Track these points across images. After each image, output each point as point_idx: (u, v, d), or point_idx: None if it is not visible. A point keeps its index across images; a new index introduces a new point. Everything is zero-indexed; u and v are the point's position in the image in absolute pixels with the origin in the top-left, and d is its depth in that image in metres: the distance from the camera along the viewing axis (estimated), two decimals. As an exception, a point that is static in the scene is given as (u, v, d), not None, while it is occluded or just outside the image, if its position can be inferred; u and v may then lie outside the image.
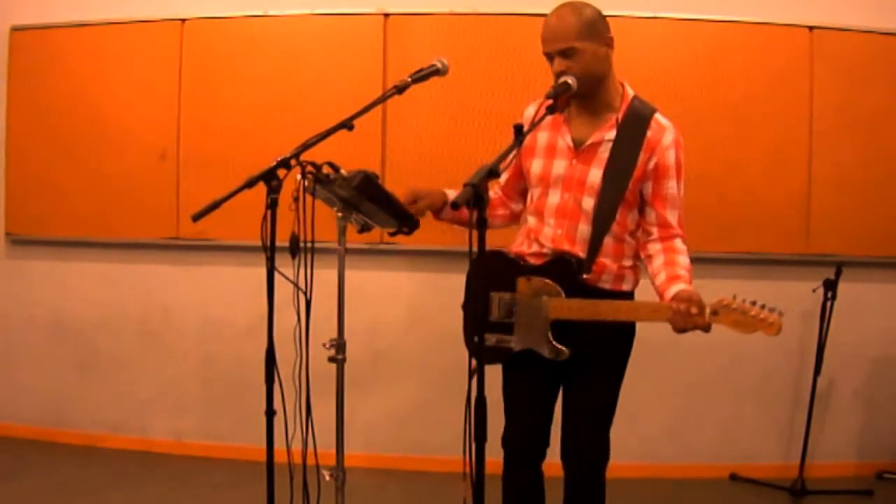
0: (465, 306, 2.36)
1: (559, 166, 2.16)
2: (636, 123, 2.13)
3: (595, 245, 2.12)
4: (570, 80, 2.06)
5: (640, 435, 3.73)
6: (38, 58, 3.96)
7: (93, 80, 3.93)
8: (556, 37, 2.09)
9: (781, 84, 3.66)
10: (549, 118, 2.12)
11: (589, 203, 2.13)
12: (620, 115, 2.14)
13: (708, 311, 1.94)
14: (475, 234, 1.76)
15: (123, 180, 3.90)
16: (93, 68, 3.92)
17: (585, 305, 2.08)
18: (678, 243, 2.18)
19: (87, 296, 4.03)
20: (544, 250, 2.17)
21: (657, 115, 2.17)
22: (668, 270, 2.09)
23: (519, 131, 1.92)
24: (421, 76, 2.26)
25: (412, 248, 3.70)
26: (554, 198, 2.17)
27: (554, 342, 2.10)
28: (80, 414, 4.03)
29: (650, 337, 3.65)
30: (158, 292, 3.98)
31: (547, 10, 3.74)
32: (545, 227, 2.18)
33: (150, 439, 3.97)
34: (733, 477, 3.68)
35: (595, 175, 2.12)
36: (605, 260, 2.16)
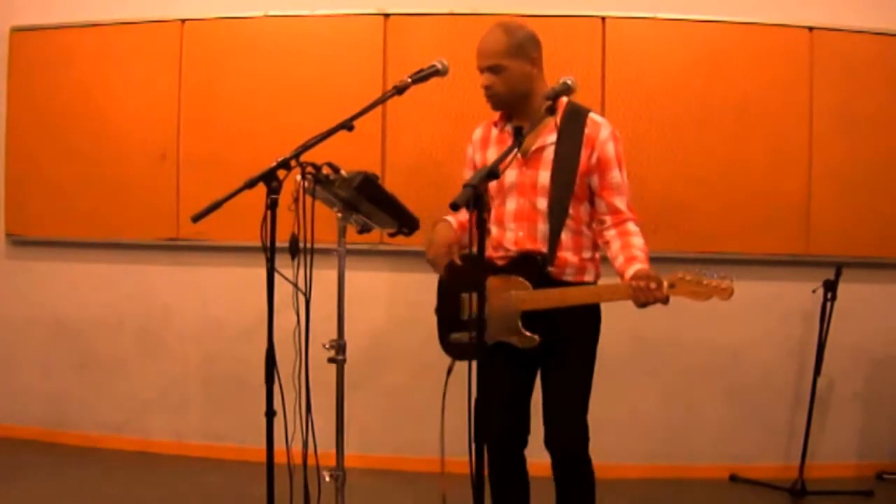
0: (438, 310, 2.51)
1: (511, 175, 2.28)
2: (573, 124, 2.27)
3: (554, 239, 2.26)
4: (570, 80, 2.14)
5: (640, 435, 3.73)
6: (38, 58, 3.97)
7: (93, 80, 3.93)
8: (485, 54, 2.28)
9: (781, 85, 3.66)
10: (496, 134, 2.37)
11: (543, 203, 2.27)
12: (559, 119, 2.27)
13: (665, 284, 2.07)
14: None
15: (123, 181, 3.90)
16: (93, 69, 3.93)
17: (552, 294, 2.22)
18: (630, 226, 2.31)
19: (87, 296, 4.03)
20: (510, 253, 2.31)
21: (591, 114, 2.31)
22: (624, 253, 2.24)
23: (518, 132, 1.94)
24: (421, 77, 2.27)
25: (412, 248, 3.69)
26: (511, 204, 2.31)
27: (525, 331, 2.22)
28: (81, 415, 4.03)
29: (651, 337, 3.69)
30: (158, 293, 3.98)
31: (546, 12, 3.77)
32: (507, 232, 2.32)
33: (150, 440, 3.97)
34: (733, 478, 3.68)
35: (544, 177, 2.26)
36: (566, 254, 2.29)
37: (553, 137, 2.26)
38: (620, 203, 2.30)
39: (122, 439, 3.98)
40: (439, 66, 2.28)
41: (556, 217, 2.26)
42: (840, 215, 3.67)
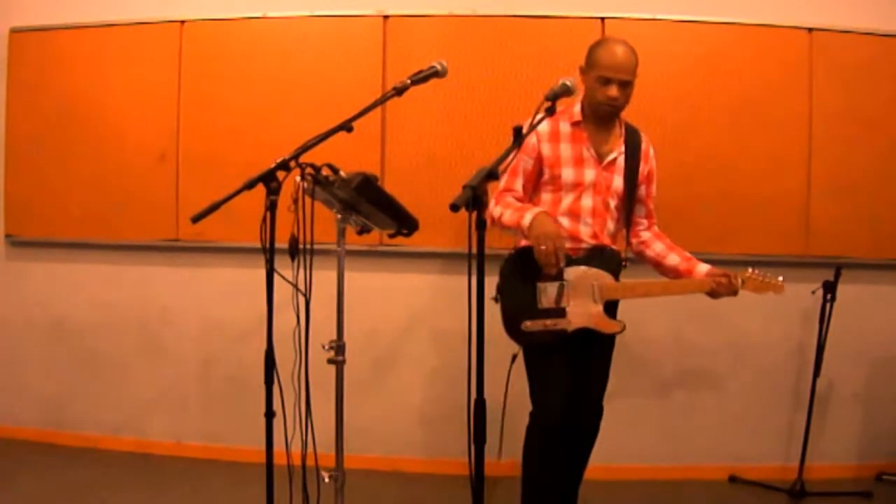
0: (504, 296, 2.58)
1: (589, 174, 2.58)
2: (633, 138, 2.67)
3: (626, 238, 2.71)
4: (570, 81, 2.14)
5: (639, 436, 3.73)
6: (37, 59, 3.97)
7: (92, 81, 3.93)
8: (627, 69, 2.52)
9: (781, 85, 3.66)
10: (569, 132, 2.58)
11: (612, 203, 2.62)
12: (623, 133, 2.65)
13: (740, 280, 2.58)
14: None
15: (123, 182, 3.90)
16: (92, 70, 3.92)
17: (637, 285, 2.59)
18: (657, 228, 2.81)
19: (86, 297, 4.03)
20: (583, 245, 2.59)
21: (640, 132, 2.72)
22: (677, 252, 2.71)
23: (518, 133, 1.94)
24: (420, 78, 2.26)
25: (412, 249, 3.70)
26: (587, 201, 2.58)
27: (611, 319, 2.56)
28: (80, 416, 4.03)
29: (650, 337, 3.69)
30: (158, 294, 3.98)
31: (546, 12, 3.77)
32: (582, 225, 2.59)
33: (149, 441, 3.97)
34: (732, 478, 3.68)
35: (618, 181, 2.62)
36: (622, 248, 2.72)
37: (622, 148, 2.63)
38: (653, 208, 2.79)
39: (121, 440, 3.98)
40: (438, 67, 2.27)
41: (626, 217, 2.68)
42: (839, 216, 3.67)
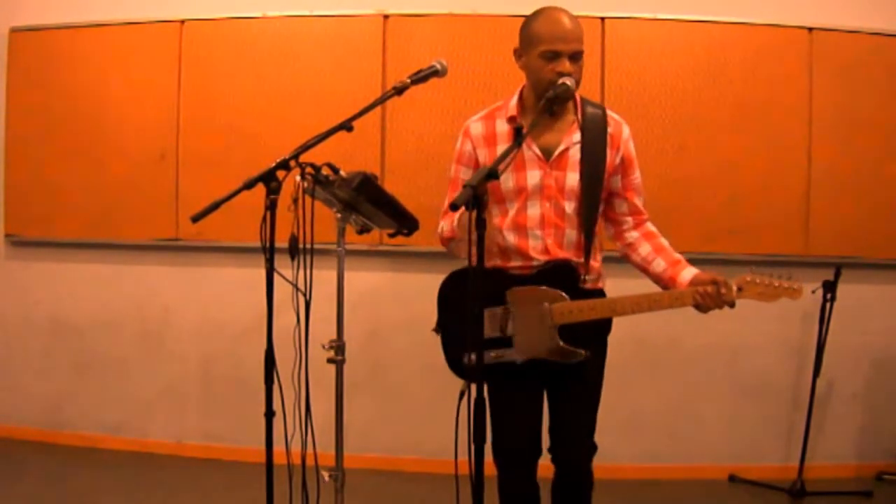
0: (442, 328, 2.31)
1: (534, 177, 2.15)
2: (595, 123, 2.17)
3: (588, 247, 2.16)
4: (570, 82, 2.06)
5: (639, 435, 3.73)
6: (37, 59, 3.97)
7: (92, 81, 3.93)
8: (576, 37, 2.09)
9: (781, 85, 3.66)
10: (506, 131, 2.19)
11: (570, 207, 2.15)
12: (580, 117, 2.17)
13: (734, 288, 2.04)
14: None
15: (123, 181, 3.90)
16: (92, 69, 3.92)
17: (597, 305, 2.11)
18: (650, 226, 2.28)
19: (86, 297, 4.03)
20: (533, 263, 2.16)
21: (609, 112, 2.22)
22: (664, 256, 2.20)
23: (518, 133, 1.92)
24: (420, 77, 2.26)
25: (412, 249, 3.70)
26: (534, 209, 2.16)
27: (567, 346, 2.09)
28: (80, 415, 4.03)
29: (650, 338, 3.69)
30: (158, 293, 3.98)
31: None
32: (531, 239, 2.16)
33: (149, 440, 3.97)
34: (732, 478, 3.68)
35: (573, 179, 2.14)
36: (592, 260, 2.20)
37: (577, 137, 2.15)
38: (640, 203, 2.27)
39: (121, 440, 3.98)
40: (438, 66, 2.27)
41: (589, 221, 2.15)
42: (839, 215, 3.67)
